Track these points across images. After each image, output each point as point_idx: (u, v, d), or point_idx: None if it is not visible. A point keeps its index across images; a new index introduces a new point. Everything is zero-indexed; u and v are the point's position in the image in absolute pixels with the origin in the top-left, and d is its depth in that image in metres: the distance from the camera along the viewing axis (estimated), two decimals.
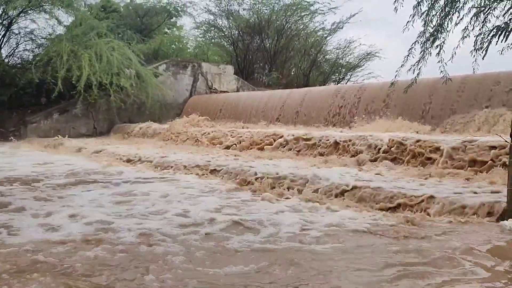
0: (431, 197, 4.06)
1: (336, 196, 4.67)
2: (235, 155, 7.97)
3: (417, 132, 7.43)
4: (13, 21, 14.76)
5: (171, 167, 7.00)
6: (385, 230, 3.43)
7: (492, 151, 5.19)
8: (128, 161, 8.12)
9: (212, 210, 4.13)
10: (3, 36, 14.89)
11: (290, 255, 2.82)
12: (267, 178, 5.42)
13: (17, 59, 15.62)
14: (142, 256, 2.80)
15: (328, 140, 7.40)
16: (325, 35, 21.75)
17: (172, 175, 6.53)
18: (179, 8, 20.58)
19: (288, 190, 5.06)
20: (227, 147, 9.20)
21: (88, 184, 5.70)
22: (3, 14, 14.42)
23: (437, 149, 5.78)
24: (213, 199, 4.68)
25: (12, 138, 13.40)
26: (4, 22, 14.69)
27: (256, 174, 5.65)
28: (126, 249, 2.93)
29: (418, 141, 6.13)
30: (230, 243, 3.09)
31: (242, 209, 4.21)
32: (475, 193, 4.09)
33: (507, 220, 3.46)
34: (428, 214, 3.90)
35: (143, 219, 3.77)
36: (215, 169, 6.39)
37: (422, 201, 4.07)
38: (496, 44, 4.11)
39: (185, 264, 2.63)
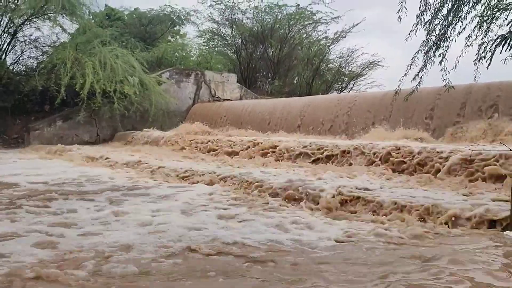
0: (434, 206, 4.03)
1: None
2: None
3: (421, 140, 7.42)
4: (18, 29, 14.90)
5: None
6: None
7: (494, 160, 5.16)
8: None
9: None
10: (9, 43, 15.03)
11: None
12: None
13: (21, 66, 15.78)
14: None
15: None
16: (328, 44, 21.85)
17: None
18: (182, 17, 20.73)
19: None
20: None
21: None
22: (9, 22, 14.57)
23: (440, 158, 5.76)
24: None
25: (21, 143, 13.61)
26: (10, 30, 14.84)
27: None
28: None
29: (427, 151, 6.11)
30: None
31: None
32: (478, 203, 4.06)
33: (510, 230, 3.43)
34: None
35: None
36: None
37: (426, 209, 4.04)
38: (500, 53, 4.12)
39: None
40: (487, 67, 4.57)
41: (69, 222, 4.02)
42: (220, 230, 3.74)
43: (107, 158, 9.56)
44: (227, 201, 5.16)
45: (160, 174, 7.30)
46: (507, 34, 4.03)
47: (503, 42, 4.05)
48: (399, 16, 4.77)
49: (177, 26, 21.79)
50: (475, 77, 4.74)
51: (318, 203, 4.68)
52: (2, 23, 14.54)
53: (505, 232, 3.45)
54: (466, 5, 4.74)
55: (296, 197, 5.00)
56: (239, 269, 2.81)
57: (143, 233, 3.60)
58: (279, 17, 20.54)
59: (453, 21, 4.83)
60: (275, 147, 8.45)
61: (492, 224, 3.64)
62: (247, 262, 2.92)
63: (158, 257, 3.00)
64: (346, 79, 22.90)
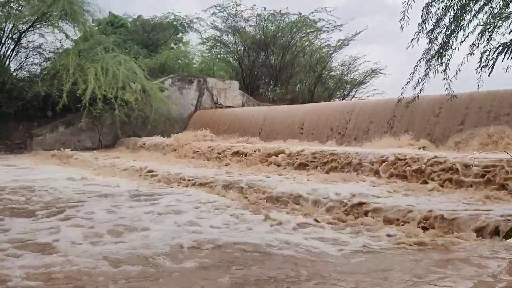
0: (435, 214, 4.01)
1: None
2: None
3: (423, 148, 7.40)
4: (22, 36, 15.00)
5: None
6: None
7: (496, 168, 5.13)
8: None
9: None
10: (12, 50, 15.12)
11: None
12: None
13: (25, 72, 15.86)
14: None
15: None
16: (330, 52, 21.91)
17: None
18: (185, 24, 20.85)
19: None
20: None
21: None
22: (13, 28, 14.67)
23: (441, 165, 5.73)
24: None
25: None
26: (14, 36, 14.94)
27: None
28: None
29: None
30: None
31: None
32: (480, 210, 4.03)
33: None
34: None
35: None
36: None
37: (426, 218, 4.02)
38: (502, 61, 4.12)
39: None
40: (489, 75, 4.57)
41: None
42: None
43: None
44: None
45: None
46: (509, 42, 4.03)
47: (505, 50, 4.05)
48: (401, 25, 4.78)
49: (180, 33, 21.90)
50: (478, 85, 4.74)
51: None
52: (6, 29, 14.65)
53: (506, 241, 3.42)
54: (468, 14, 4.76)
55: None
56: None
57: None
58: (282, 25, 20.61)
59: (455, 30, 4.84)
60: (277, 154, 8.43)
61: (494, 232, 3.61)
62: None
63: None
64: (348, 86, 22.94)
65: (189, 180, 6.96)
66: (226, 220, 4.42)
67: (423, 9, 4.95)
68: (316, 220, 4.41)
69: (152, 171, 7.97)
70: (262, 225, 4.21)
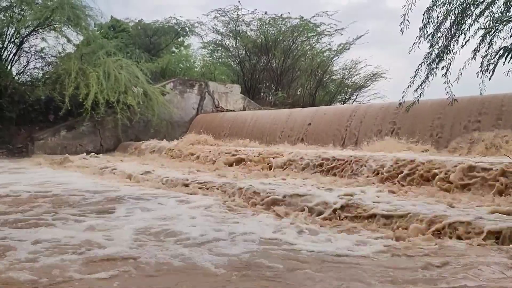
0: (437, 217, 4.00)
1: None
2: None
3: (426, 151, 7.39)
4: (25, 40, 15.05)
5: None
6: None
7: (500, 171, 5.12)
8: None
9: None
10: (14, 54, 15.16)
11: None
12: None
13: (27, 76, 15.87)
14: None
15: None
16: (332, 56, 21.95)
17: None
18: (187, 28, 20.92)
19: None
20: None
21: None
22: (15, 33, 14.73)
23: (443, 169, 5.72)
24: None
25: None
26: (16, 40, 14.98)
27: None
28: None
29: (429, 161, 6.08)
30: None
31: None
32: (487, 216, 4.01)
33: None
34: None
35: None
36: None
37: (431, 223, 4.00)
38: (504, 65, 4.12)
39: None
40: (490, 78, 4.58)
41: None
42: None
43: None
44: None
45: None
46: (510, 46, 4.04)
47: (506, 54, 4.06)
48: (401, 29, 4.79)
49: (182, 38, 21.97)
50: (480, 90, 4.74)
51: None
52: (8, 33, 14.70)
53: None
54: (469, 18, 4.77)
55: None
56: None
57: None
58: (283, 29, 20.68)
59: (456, 34, 4.85)
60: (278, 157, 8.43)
61: (499, 238, 3.59)
62: None
63: None
64: (350, 90, 22.97)
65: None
66: None
67: (424, 13, 4.96)
68: None
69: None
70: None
